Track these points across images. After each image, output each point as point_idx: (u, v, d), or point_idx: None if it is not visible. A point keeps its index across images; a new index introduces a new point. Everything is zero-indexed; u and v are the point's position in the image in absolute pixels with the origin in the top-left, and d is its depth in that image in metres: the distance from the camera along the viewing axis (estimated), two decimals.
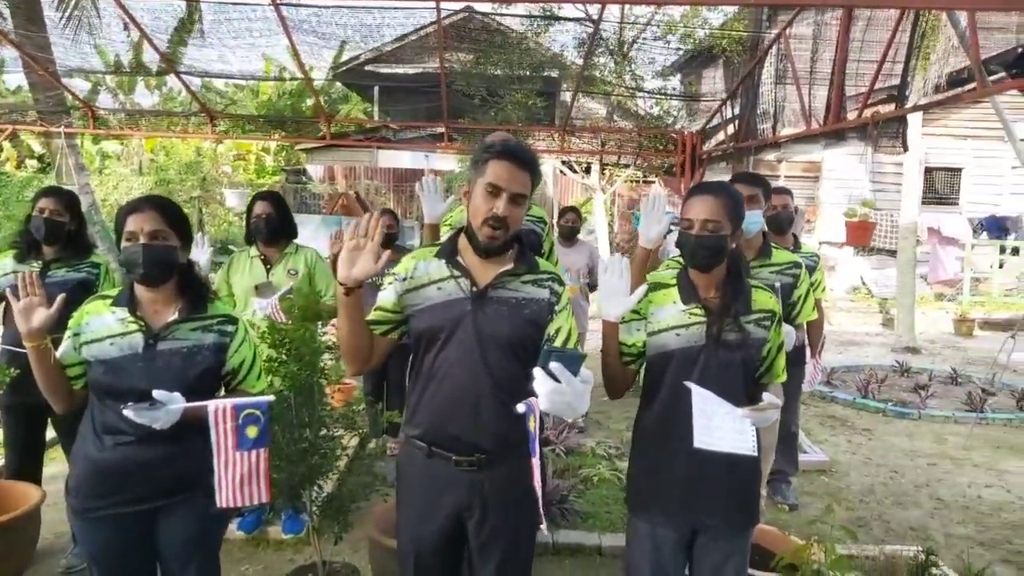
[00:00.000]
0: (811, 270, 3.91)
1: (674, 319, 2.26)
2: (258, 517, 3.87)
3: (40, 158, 16.04)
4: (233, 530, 3.84)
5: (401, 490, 2.28)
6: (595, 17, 7.03)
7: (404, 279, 2.18)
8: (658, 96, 8.92)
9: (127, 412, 2.09)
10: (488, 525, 2.14)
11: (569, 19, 9.32)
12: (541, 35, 10.41)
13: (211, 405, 2.15)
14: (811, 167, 15.07)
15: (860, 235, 10.84)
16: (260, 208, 3.77)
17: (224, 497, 2.18)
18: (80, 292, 3.06)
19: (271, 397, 2.24)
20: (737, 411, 2.08)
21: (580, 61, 8.44)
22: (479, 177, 2.08)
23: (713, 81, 9.70)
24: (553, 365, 1.74)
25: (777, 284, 3.02)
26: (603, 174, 11.05)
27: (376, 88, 15.21)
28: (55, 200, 3.45)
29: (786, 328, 2.97)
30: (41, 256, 3.49)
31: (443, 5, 5.29)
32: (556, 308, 2.15)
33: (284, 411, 3.02)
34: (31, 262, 3.49)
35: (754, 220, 3.10)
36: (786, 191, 4.08)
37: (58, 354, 2.24)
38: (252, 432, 2.18)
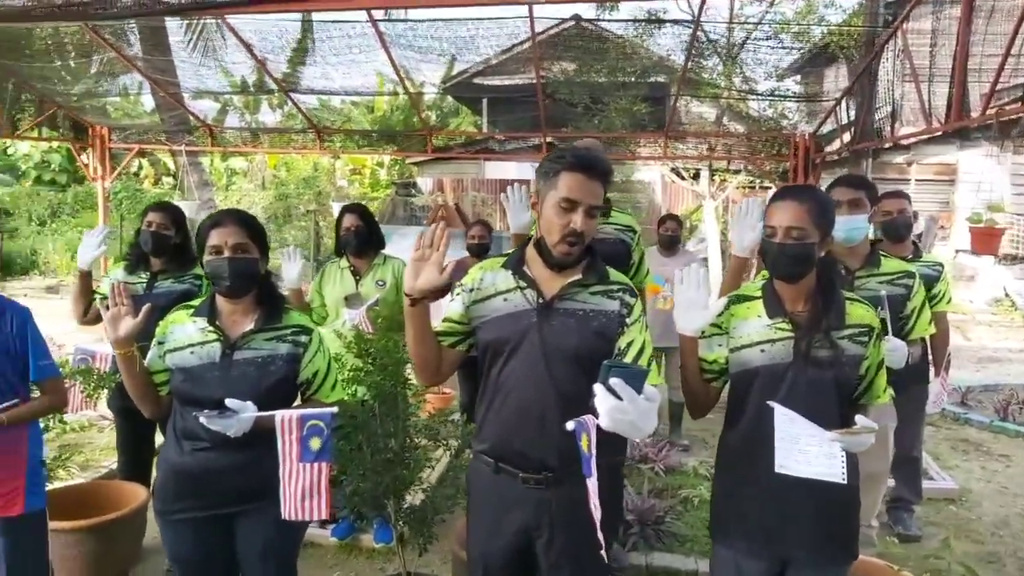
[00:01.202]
0: (931, 280, 3.59)
1: (758, 334, 2.09)
2: (351, 525, 3.92)
3: (174, 175, 17.19)
4: (327, 536, 3.91)
5: (470, 504, 2.23)
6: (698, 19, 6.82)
7: (471, 290, 2.13)
8: (766, 98, 8.52)
9: (202, 419, 2.13)
10: (557, 546, 2.05)
11: (672, 21, 9.10)
12: (646, 40, 10.21)
13: (278, 415, 2.17)
14: (944, 169, 14.04)
15: (986, 242, 9.93)
16: (348, 221, 3.83)
17: (288, 509, 2.19)
18: (183, 303, 3.20)
19: (335, 408, 2.23)
20: (826, 434, 1.89)
21: (687, 64, 8.21)
22: (551, 190, 2.00)
23: (836, 82, 9.19)
24: (613, 381, 1.63)
25: (883, 293, 2.77)
26: (712, 180, 10.70)
27: (484, 100, 15.43)
28: (162, 215, 3.62)
29: (895, 344, 2.73)
30: (149, 268, 3.66)
31: (547, 15, 5.28)
32: (628, 321, 2.04)
33: (368, 420, 3.03)
34: (140, 273, 3.68)
35: (857, 226, 2.86)
36: (902, 195, 3.76)
37: (145, 361, 2.33)
38: (315, 444, 2.18)
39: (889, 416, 2.98)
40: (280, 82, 6.35)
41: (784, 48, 8.96)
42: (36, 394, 2.59)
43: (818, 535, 2.05)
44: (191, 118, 7.23)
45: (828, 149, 6.62)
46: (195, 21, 6.52)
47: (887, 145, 5.08)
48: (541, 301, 2.03)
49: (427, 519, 3.12)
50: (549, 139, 7.69)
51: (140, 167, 18.80)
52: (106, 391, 3.60)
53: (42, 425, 3.35)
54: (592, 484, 1.71)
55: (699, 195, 11.27)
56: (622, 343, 2.02)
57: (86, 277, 3.66)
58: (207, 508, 2.30)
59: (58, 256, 15.35)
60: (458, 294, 2.16)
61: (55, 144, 10.90)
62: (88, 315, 3.62)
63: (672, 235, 5.62)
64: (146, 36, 7.02)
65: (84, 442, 5.29)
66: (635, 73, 9.83)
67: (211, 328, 2.31)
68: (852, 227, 2.86)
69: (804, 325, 2.05)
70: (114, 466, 4.14)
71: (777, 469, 1.92)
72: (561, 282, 2.04)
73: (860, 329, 2.07)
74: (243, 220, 2.35)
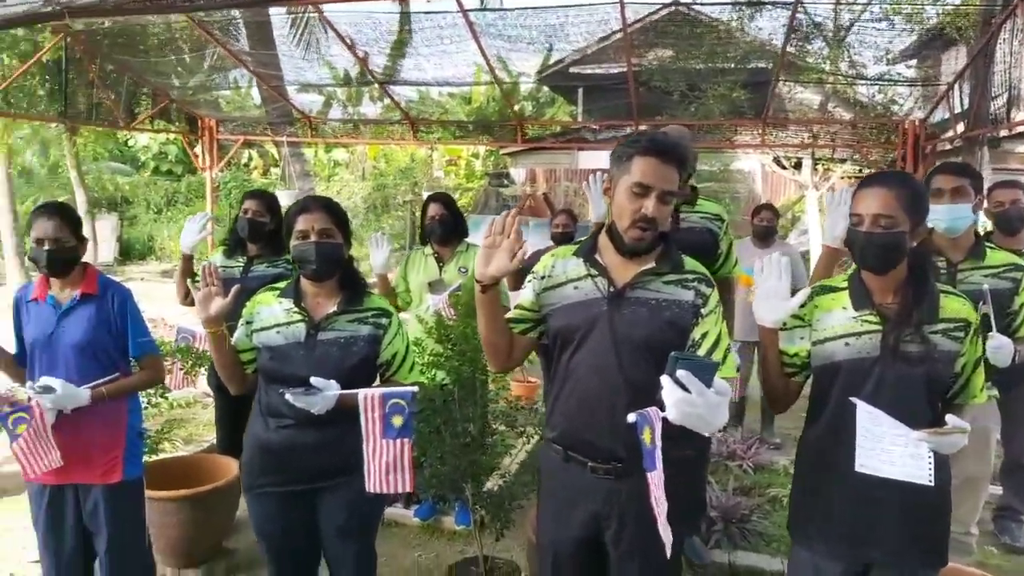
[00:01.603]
0: None
1: (843, 327, 2.00)
2: (432, 507, 4.00)
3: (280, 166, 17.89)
4: (410, 516, 4.00)
5: (541, 491, 2.22)
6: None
7: (542, 278, 2.12)
8: (873, 83, 8.09)
9: (287, 396, 2.21)
10: (626, 537, 2.02)
11: (773, 3, 8.76)
12: (746, 24, 9.87)
13: (362, 393, 2.23)
14: None
15: None
16: (433, 210, 3.89)
17: (372, 482, 2.24)
18: None
19: (415, 388, 2.27)
20: (912, 434, 1.79)
21: (790, 49, 7.91)
22: (623, 175, 1.96)
23: (954, 64, 8.64)
24: (680, 373, 1.59)
25: (985, 287, 2.59)
26: (816, 170, 10.26)
27: (580, 90, 15.34)
28: (257, 202, 3.79)
29: (1001, 341, 2.56)
30: (246, 252, 3.84)
31: (639, 1, 5.19)
32: (702, 311, 1.98)
33: (447, 405, 3.08)
34: (237, 258, 3.87)
35: (960, 215, 2.69)
36: (1016, 184, 3.51)
37: (233, 340, 2.43)
38: (397, 421, 2.23)
39: (990, 418, 2.80)
40: (376, 75, 6.49)
41: (894, 30, 8.49)
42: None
43: (903, 538, 1.94)
44: (293, 110, 7.50)
45: (950, 135, 6.23)
46: (299, 16, 6.74)
47: (1004, 133, 4.72)
48: (612, 289, 2.00)
49: (503, 504, 3.15)
50: (642, 127, 7.56)
51: (250, 158, 19.70)
52: (204, 369, 3.79)
53: (147, 402, 3.58)
54: (654, 478, 1.67)
55: (801, 185, 10.84)
56: (696, 334, 1.97)
57: (188, 260, 3.87)
58: (290, 484, 2.38)
59: (172, 242, 16.28)
60: (529, 281, 2.16)
61: (171, 136, 11.53)
62: (189, 297, 3.82)
63: (767, 225, 5.43)
64: (252, 31, 7.32)
65: (188, 417, 5.60)
66: (735, 59, 9.54)
67: (296, 309, 2.40)
68: (955, 216, 2.70)
69: (893, 318, 1.94)
70: (215, 440, 4.37)
71: (858, 468, 1.83)
72: (634, 270, 2.01)
73: (955, 324, 1.94)
74: (328, 206, 2.42)
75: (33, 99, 7.14)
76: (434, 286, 3.77)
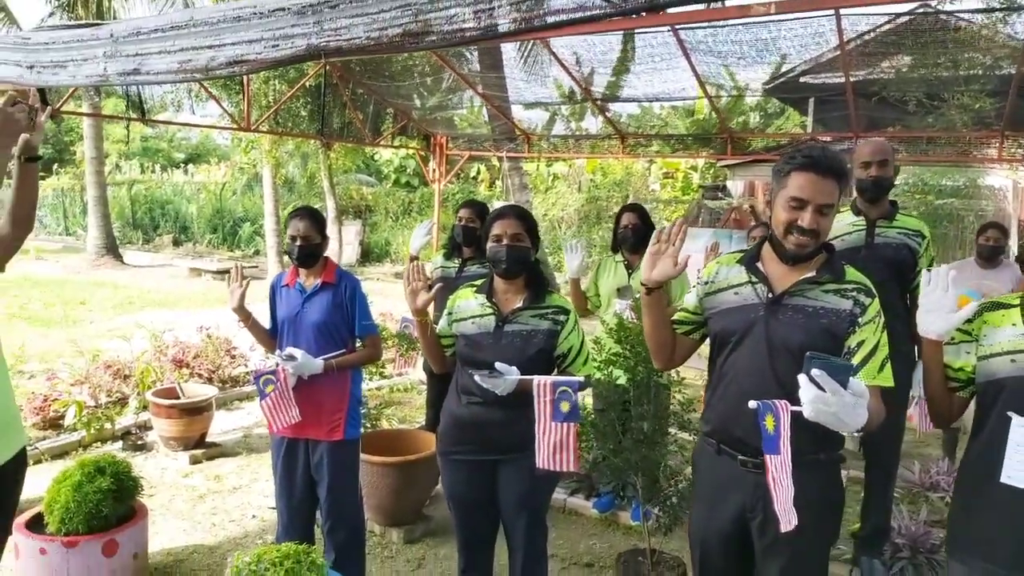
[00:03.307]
0: None
1: (1010, 343, 1.96)
2: (612, 500, 4.22)
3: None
4: (589, 507, 4.25)
5: (695, 484, 2.38)
6: None
7: (706, 283, 2.29)
8: None
9: (476, 378, 2.58)
10: (771, 529, 2.13)
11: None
12: (999, 27, 9.00)
13: (536, 379, 2.53)
14: None
15: None
16: (627, 219, 4.11)
17: (541, 459, 2.53)
18: None
19: (581, 378, 2.55)
20: None
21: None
22: (781, 188, 2.08)
23: None
24: (814, 372, 1.70)
25: None
26: None
27: (812, 100, 14.70)
28: (471, 211, 4.27)
29: None
30: (461, 255, 4.34)
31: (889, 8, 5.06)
32: (860, 320, 2.05)
33: (621, 401, 3.30)
34: (454, 259, 4.38)
35: None
36: None
37: (437, 328, 2.85)
38: (565, 407, 2.50)
39: None
40: (592, 92, 6.84)
41: None
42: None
43: None
44: (514, 127, 8.06)
45: None
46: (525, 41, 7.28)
47: None
48: (770, 296, 2.12)
49: (669, 500, 3.30)
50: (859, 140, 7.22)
51: (479, 171, 21.07)
52: (419, 354, 4.32)
53: (368, 378, 4.15)
54: (774, 461, 1.79)
55: None
56: (852, 342, 2.04)
57: (415, 261, 4.42)
58: (476, 453, 2.74)
59: (406, 247, 17.82)
60: (694, 287, 2.34)
61: (409, 151, 12.78)
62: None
63: (994, 245, 5.04)
64: (483, 55, 8.00)
65: (406, 400, 6.28)
66: (983, 65, 8.75)
67: (488, 304, 2.75)
68: None
69: None
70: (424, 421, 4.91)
71: (1002, 479, 1.81)
72: (794, 278, 2.11)
73: None
74: (520, 214, 2.75)
75: (297, 119, 8.32)
76: (622, 292, 4.00)
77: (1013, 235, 12.15)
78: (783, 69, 10.13)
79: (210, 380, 6.13)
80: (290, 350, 3.02)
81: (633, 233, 4.10)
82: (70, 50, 3.55)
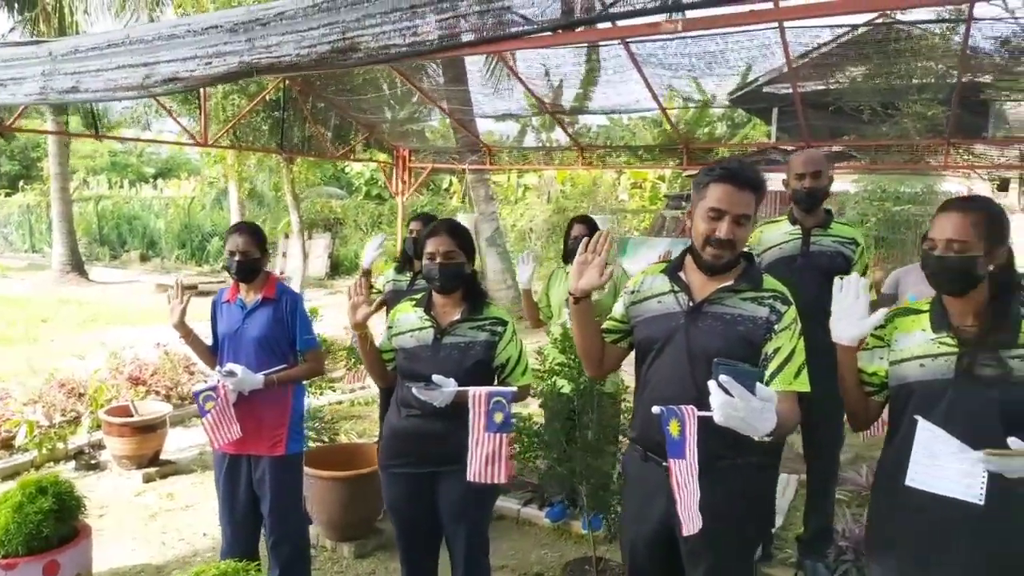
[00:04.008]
0: None
1: (919, 348, 2.02)
2: (563, 510, 4.24)
3: None
4: (542, 517, 4.27)
5: (623, 490, 2.42)
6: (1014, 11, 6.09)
7: (632, 292, 2.33)
8: None
9: (414, 391, 2.61)
10: (696, 534, 2.16)
11: (982, 19, 8.15)
12: (950, 37, 9.21)
13: (471, 391, 2.55)
14: None
15: None
16: (577, 231, 4.15)
17: (473, 471, 2.55)
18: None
19: (515, 389, 2.59)
20: (972, 453, 1.80)
21: (999, 61, 7.34)
22: (700, 200, 2.14)
23: None
24: (722, 378, 1.74)
25: None
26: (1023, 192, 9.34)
27: (775, 110, 14.93)
28: (422, 224, 4.28)
29: None
30: (412, 268, 4.36)
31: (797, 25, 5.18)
32: (776, 327, 2.10)
33: (565, 410, 3.34)
34: (405, 273, 4.40)
35: None
36: None
37: (377, 342, 2.86)
38: (498, 418, 2.52)
39: None
40: (544, 103, 6.90)
41: None
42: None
43: (978, 569, 1.92)
44: (476, 140, 8.10)
45: None
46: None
47: None
48: (691, 304, 2.17)
49: (615, 509, 3.34)
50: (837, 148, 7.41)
51: (450, 183, 21.09)
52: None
53: (318, 392, 4.15)
54: (678, 465, 1.83)
55: (1008, 209, 9.89)
56: (768, 349, 2.09)
57: (366, 275, 4.43)
58: (415, 466, 2.75)
59: (395, 261, 17.78)
60: (622, 296, 2.38)
61: (375, 165, 12.82)
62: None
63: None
64: (447, 68, 8.02)
65: (367, 414, 6.27)
66: (936, 73, 8.96)
67: (427, 317, 2.77)
68: None
69: (970, 341, 1.95)
70: None
71: (907, 482, 1.87)
72: (714, 287, 2.16)
73: None
74: (452, 230, 2.77)
75: (257, 133, 8.31)
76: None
77: None
78: (756, 79, 10.31)
79: (168, 397, 6.07)
80: (230, 366, 3.02)
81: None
82: (10, 68, 3.53)
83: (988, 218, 1.94)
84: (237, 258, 3.07)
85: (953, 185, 12.45)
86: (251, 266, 3.10)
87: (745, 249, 2.22)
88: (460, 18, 2.20)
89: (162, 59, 2.92)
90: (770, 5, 2.32)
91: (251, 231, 3.13)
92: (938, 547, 1.95)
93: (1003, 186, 9.14)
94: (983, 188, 10.55)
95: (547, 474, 3.41)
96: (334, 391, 4.44)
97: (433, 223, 2.86)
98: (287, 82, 7.04)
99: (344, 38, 2.41)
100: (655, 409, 1.86)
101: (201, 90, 6.58)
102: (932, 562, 1.97)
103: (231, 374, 2.98)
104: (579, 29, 2.18)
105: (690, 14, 2.19)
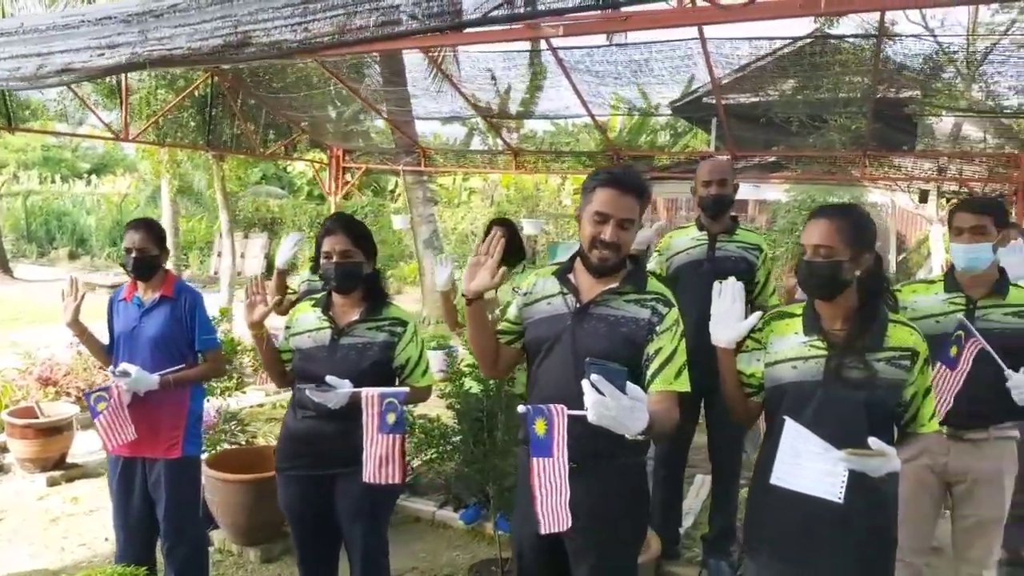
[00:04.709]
0: None
1: (792, 351, 2.09)
2: (477, 511, 4.23)
3: None
4: (456, 519, 4.26)
5: (517, 490, 2.43)
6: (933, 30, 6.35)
7: (525, 294, 2.35)
8: (1006, 116, 7.62)
9: (308, 392, 2.57)
10: (580, 533, 2.18)
11: (904, 36, 8.46)
12: (871, 54, 9.54)
13: (364, 392, 2.53)
14: None
15: None
16: (494, 232, 4.17)
17: (368, 472, 2.53)
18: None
19: (406, 389, 2.57)
20: (835, 453, 1.86)
21: (920, 78, 7.64)
22: (587, 204, 2.17)
23: None
24: (593, 377, 1.77)
25: (960, 316, 2.56)
26: (941, 204, 9.71)
27: (714, 120, 15.26)
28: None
29: (1017, 380, 2.50)
30: None
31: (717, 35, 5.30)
32: (657, 329, 2.14)
33: (473, 412, 3.34)
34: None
35: (977, 255, 2.63)
36: None
37: (276, 343, 2.82)
38: (391, 418, 2.51)
39: (1006, 459, 2.70)
40: (477, 107, 6.91)
41: None
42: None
43: (843, 567, 2.00)
44: (412, 142, 8.04)
45: None
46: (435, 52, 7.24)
47: None
48: (578, 305, 2.20)
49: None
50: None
51: (396, 185, 20.87)
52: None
53: (227, 394, 4.07)
54: (541, 464, 1.86)
55: (927, 220, 10.27)
56: (650, 350, 2.13)
57: (281, 275, 4.37)
58: (312, 468, 2.72)
59: (311, 260, 17.54)
60: (516, 298, 2.40)
61: (308, 163, 12.64)
62: (282, 306, 4.29)
63: None
64: (384, 67, 7.91)
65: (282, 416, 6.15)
66: (860, 87, 9.26)
67: (325, 317, 2.74)
68: (972, 255, 2.65)
69: (838, 344, 2.02)
70: None
71: (772, 480, 1.93)
72: (599, 289, 2.19)
73: (901, 353, 1.99)
74: (349, 228, 2.73)
75: (184, 129, 8.12)
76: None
77: (892, 249, 12.86)
78: (697, 89, 10.49)
79: (79, 399, 5.87)
80: (124, 366, 2.93)
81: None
82: None
83: (853, 225, 2.01)
84: (134, 255, 2.99)
85: (878, 196, 12.87)
86: (148, 263, 3.02)
87: (633, 252, 2.26)
88: (351, 15, 2.18)
89: (55, 49, 2.84)
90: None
91: (148, 227, 3.06)
92: (803, 544, 2.02)
93: (923, 197, 9.47)
94: (904, 199, 10.94)
95: (457, 475, 3.40)
96: (244, 393, 4.35)
97: (330, 221, 2.82)
98: (215, 78, 6.90)
99: (236, 32, 2.37)
100: (520, 408, 1.87)
101: (122, 83, 6.42)
102: (798, 558, 2.04)
103: (125, 374, 2.89)
104: (467, 30, 2.18)
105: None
